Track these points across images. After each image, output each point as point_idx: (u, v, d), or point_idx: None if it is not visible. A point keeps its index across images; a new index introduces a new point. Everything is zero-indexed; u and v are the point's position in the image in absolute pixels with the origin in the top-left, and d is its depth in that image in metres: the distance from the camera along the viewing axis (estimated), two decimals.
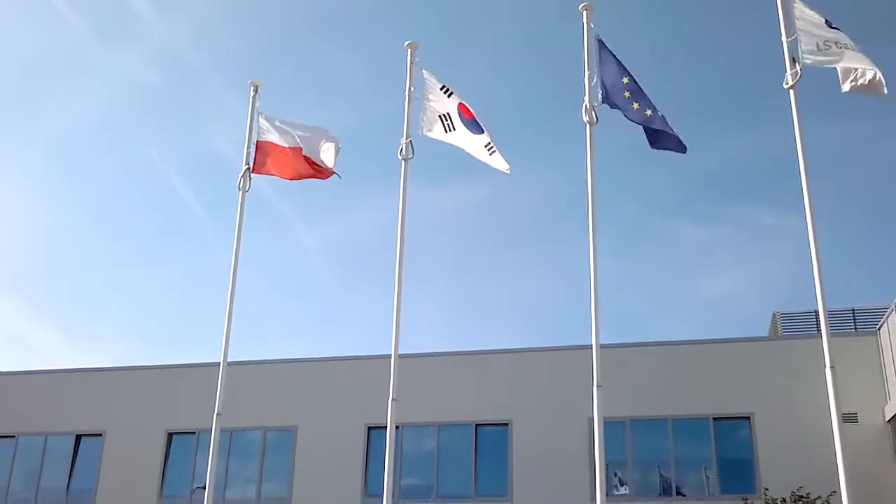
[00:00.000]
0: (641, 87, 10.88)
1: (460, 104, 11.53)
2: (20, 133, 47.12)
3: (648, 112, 10.73)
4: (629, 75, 10.90)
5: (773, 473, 16.40)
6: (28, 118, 47.94)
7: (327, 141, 12.07)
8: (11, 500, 20.63)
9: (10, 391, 21.71)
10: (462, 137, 11.44)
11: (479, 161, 11.39)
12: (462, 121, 11.48)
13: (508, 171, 11.20)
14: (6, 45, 47.35)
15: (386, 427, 10.98)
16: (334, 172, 12.07)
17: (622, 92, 10.88)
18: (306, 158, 12.03)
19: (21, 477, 20.94)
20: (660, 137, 10.79)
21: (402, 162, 11.72)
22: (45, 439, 20.89)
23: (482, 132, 11.34)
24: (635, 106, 10.77)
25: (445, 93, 11.60)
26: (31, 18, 45.63)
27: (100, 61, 46.38)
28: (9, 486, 20.85)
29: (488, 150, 11.26)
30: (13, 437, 21.19)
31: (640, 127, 10.81)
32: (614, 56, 11.04)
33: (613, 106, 10.92)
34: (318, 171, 12.05)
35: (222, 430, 12.05)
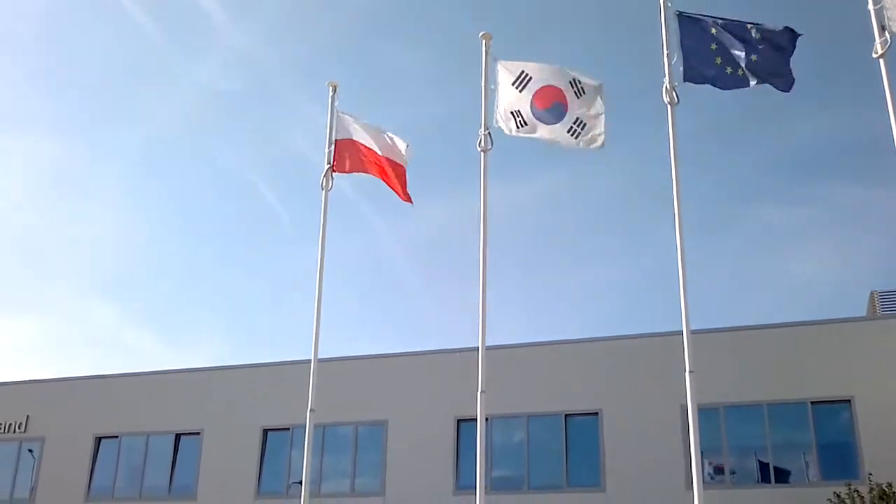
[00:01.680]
0: (735, 38, 10.52)
1: (536, 94, 11.32)
2: (107, 142, 48.82)
3: (741, 71, 10.43)
4: (716, 40, 10.58)
5: (877, 458, 15.83)
6: (113, 128, 49.63)
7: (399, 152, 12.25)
8: (117, 497, 21.41)
9: (112, 393, 22.52)
10: (535, 130, 11.27)
11: (563, 147, 11.26)
12: (535, 113, 11.28)
13: (602, 146, 11.00)
14: (87, 56, 49.04)
15: (475, 419, 10.97)
16: (409, 198, 12.23)
17: (712, 60, 10.57)
18: (388, 161, 12.13)
19: (125, 476, 21.71)
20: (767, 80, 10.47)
21: (481, 153, 11.67)
22: (147, 439, 21.60)
23: (563, 117, 11.12)
24: (728, 70, 10.48)
25: (518, 87, 11.43)
26: (110, 29, 47.22)
27: (177, 69, 47.67)
28: (114, 484, 21.64)
29: (572, 134, 11.05)
30: (116, 437, 21.98)
31: (728, 95, 10.58)
32: (700, 24, 10.72)
33: (700, 81, 10.63)
34: (393, 180, 12.17)
35: (315, 426, 12.25)
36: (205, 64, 48.10)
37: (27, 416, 23.05)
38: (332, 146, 12.55)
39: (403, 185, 12.20)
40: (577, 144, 11.07)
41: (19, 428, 22.99)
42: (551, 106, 11.20)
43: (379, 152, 12.18)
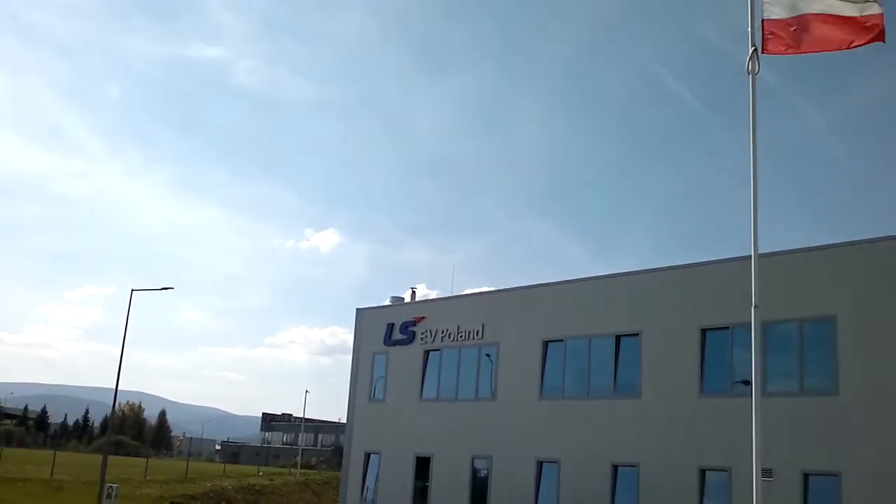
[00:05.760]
0: None
1: None
2: (522, 64, 51.05)
3: None
4: None
5: None
6: (528, 48, 51.62)
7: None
8: (567, 396, 22.90)
9: (555, 300, 23.98)
10: None
11: None
12: None
13: None
14: None
15: None
16: (877, 35, 10.69)
17: None
18: (836, 20, 10.89)
19: (573, 376, 23.09)
20: None
21: None
22: (589, 341, 22.70)
23: None
24: None
25: None
26: None
27: None
28: (563, 384, 23.16)
29: None
30: (562, 340, 23.43)
31: None
32: None
33: None
34: (848, 35, 10.84)
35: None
36: None
37: (482, 324, 25.53)
38: (757, 26, 11.71)
39: (868, 29, 10.77)
40: None
41: (477, 335, 25.57)
42: None
43: (821, 11, 10.99)
